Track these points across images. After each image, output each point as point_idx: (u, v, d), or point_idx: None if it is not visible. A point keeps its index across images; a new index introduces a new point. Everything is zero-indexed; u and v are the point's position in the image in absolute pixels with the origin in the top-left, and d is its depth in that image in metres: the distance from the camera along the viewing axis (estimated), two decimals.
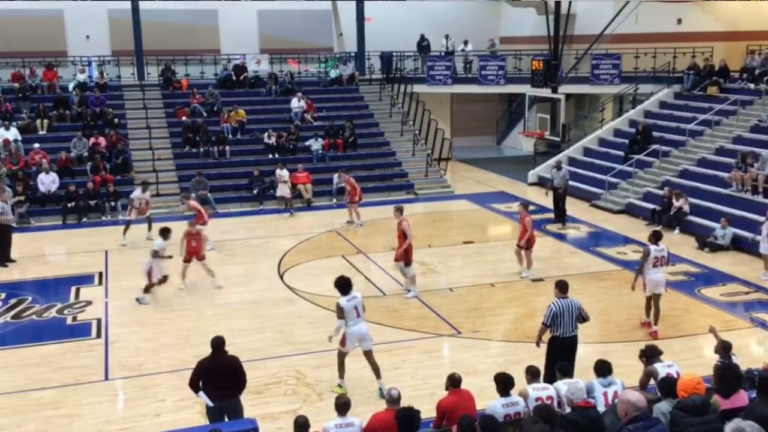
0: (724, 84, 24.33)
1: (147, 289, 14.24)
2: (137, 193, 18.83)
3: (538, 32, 29.15)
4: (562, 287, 10.02)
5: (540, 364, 8.88)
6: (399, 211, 14.52)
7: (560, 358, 9.20)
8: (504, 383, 7.68)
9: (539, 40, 29.00)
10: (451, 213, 22.25)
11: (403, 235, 14.11)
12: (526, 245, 15.23)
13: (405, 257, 14.15)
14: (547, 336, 9.90)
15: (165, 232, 14.27)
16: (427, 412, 7.54)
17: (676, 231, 18.72)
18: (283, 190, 21.99)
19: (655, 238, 12.59)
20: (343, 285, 10.20)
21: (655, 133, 23.42)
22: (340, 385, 10.34)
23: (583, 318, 9.86)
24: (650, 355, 8.40)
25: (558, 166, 20.63)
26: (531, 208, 20.67)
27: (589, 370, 8.37)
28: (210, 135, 24.18)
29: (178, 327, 13.04)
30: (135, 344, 12.34)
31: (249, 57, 28.76)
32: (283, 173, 22.25)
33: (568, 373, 8.03)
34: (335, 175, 22.85)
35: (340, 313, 10.07)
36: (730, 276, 15.57)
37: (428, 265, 16.56)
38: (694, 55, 25.99)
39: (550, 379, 8.50)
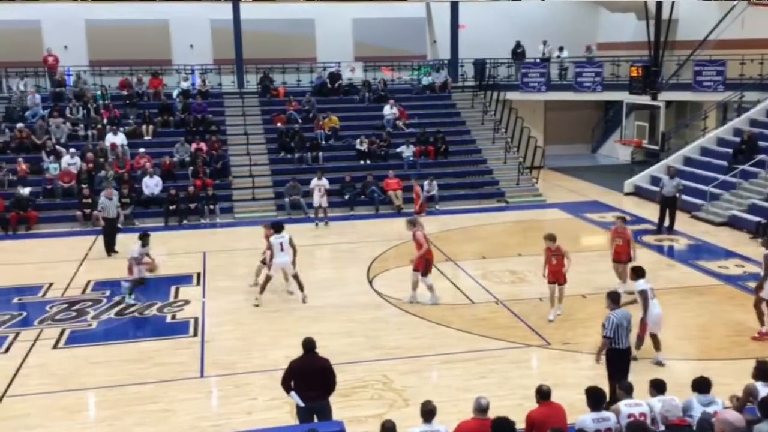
0: None
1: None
2: (137, 248, 14.93)
3: (638, 38, 28.38)
4: (614, 298, 9.87)
5: (637, 379, 8.60)
6: (411, 223, 14.53)
7: (622, 371, 8.98)
8: (595, 397, 7.51)
9: (639, 45, 28.22)
10: (543, 222, 21.86)
11: (418, 244, 14.10)
12: (628, 259, 14.64)
13: (423, 266, 14.12)
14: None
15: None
16: (515, 424, 7.43)
17: None
18: (320, 201, 21.22)
19: None
20: (276, 226, 14.40)
21: (762, 143, 22.36)
22: (257, 298, 14.46)
23: (629, 329, 9.76)
24: (763, 371, 7.94)
25: (671, 174, 19.94)
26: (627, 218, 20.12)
27: (685, 387, 8.09)
28: (304, 141, 24.69)
29: (270, 328, 13.37)
30: (229, 343, 12.72)
31: (344, 65, 29.21)
32: (321, 182, 21.39)
33: (630, 391, 7.77)
34: (425, 182, 22.90)
35: (269, 246, 14.21)
36: None
37: (518, 273, 16.37)
38: None
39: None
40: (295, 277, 14.68)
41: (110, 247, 18.51)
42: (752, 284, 13.68)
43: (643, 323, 11.21)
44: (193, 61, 29.08)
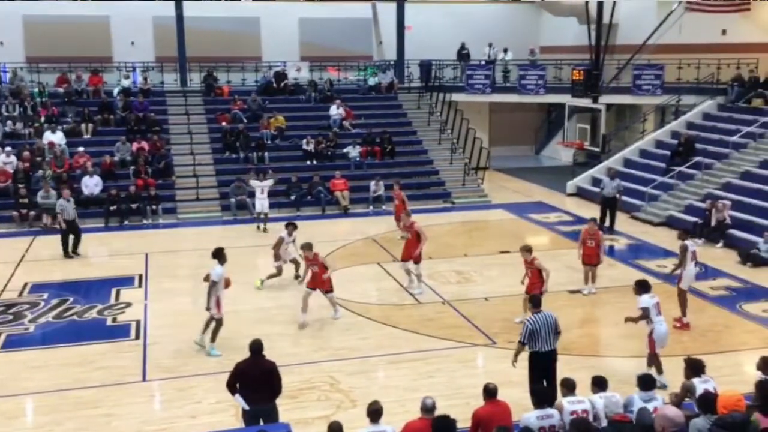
0: None
1: None
2: (218, 270, 11.92)
3: (580, 41, 28.93)
4: (535, 302, 9.92)
5: (579, 376, 8.76)
6: (408, 215, 15.30)
7: (542, 372, 9.08)
8: (539, 395, 7.62)
9: (580, 49, 28.77)
10: (488, 222, 22.16)
11: (417, 236, 14.75)
12: (598, 261, 14.93)
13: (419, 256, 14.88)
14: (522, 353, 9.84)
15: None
16: (462, 422, 7.51)
17: (720, 244, 18.39)
18: (262, 205, 20.14)
19: (687, 234, 13.67)
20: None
21: (698, 145, 23.05)
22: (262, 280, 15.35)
23: (557, 332, 9.72)
24: (694, 368, 8.23)
25: (611, 175, 20.35)
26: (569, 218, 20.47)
27: (626, 384, 8.29)
28: (250, 141, 24.45)
29: None
30: (173, 346, 12.50)
31: (289, 64, 29.03)
32: (264, 184, 20.25)
33: (573, 388, 7.89)
34: (372, 183, 22.93)
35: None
36: None
37: (464, 274, 16.51)
38: (738, 66, 25.53)
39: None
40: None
41: (67, 250, 17.89)
42: None
43: (651, 340, 10.68)
44: (134, 59, 28.53)
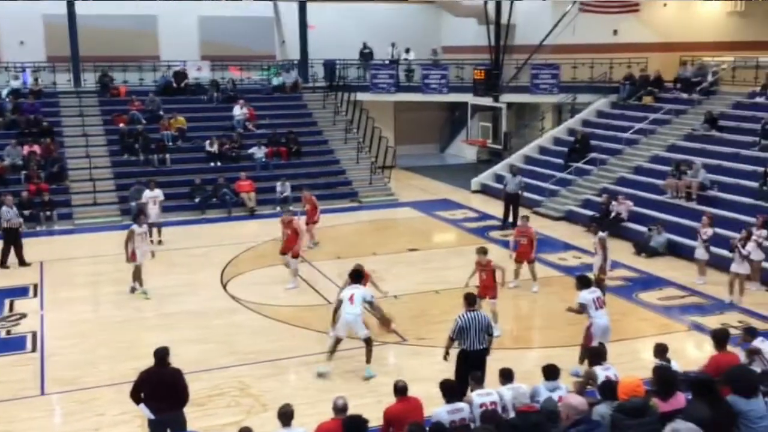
0: (659, 94, 25.02)
1: None
2: (367, 293, 11.74)
3: (479, 42, 29.53)
4: (470, 300, 10.07)
5: (487, 369, 8.95)
6: (292, 212, 16.22)
7: (468, 371, 9.24)
8: (449, 390, 7.70)
9: (480, 49, 29.37)
10: (396, 221, 22.31)
11: (295, 233, 15.39)
12: (530, 258, 15.12)
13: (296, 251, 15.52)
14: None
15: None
16: (375, 420, 7.51)
17: (605, 234, 19.02)
18: (156, 215, 18.86)
19: (599, 227, 14.78)
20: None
21: (593, 142, 23.90)
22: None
23: (488, 333, 9.84)
24: (597, 356, 8.55)
25: (513, 172, 20.82)
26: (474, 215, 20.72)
27: (533, 375, 8.49)
28: (149, 143, 23.73)
29: (118, 339, 12.73)
30: (72, 357, 12.01)
31: (190, 64, 28.36)
32: (155, 194, 19.12)
33: (481, 382, 8.07)
34: (278, 183, 22.70)
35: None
36: (666, 280, 15.98)
37: (374, 272, 16.49)
38: (629, 65, 26.65)
39: (461, 390, 8.21)
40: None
41: (6, 261, 17.02)
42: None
43: (588, 334, 10.77)
44: (24, 59, 27.21)
